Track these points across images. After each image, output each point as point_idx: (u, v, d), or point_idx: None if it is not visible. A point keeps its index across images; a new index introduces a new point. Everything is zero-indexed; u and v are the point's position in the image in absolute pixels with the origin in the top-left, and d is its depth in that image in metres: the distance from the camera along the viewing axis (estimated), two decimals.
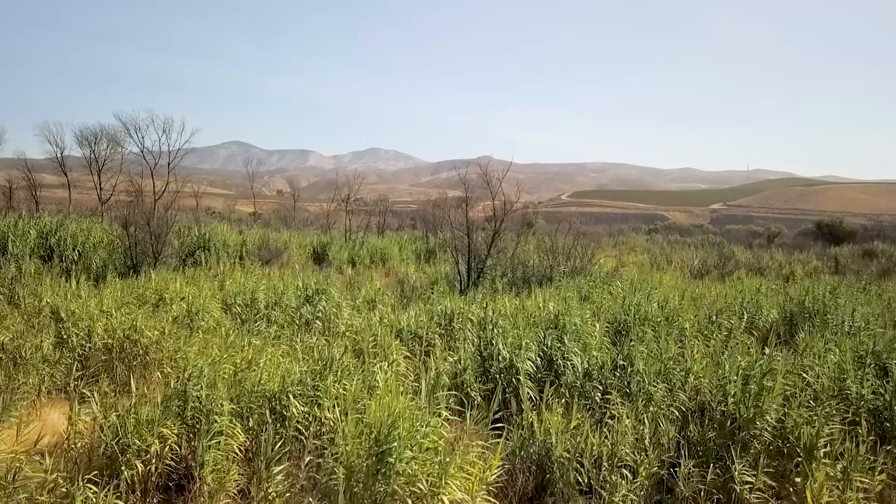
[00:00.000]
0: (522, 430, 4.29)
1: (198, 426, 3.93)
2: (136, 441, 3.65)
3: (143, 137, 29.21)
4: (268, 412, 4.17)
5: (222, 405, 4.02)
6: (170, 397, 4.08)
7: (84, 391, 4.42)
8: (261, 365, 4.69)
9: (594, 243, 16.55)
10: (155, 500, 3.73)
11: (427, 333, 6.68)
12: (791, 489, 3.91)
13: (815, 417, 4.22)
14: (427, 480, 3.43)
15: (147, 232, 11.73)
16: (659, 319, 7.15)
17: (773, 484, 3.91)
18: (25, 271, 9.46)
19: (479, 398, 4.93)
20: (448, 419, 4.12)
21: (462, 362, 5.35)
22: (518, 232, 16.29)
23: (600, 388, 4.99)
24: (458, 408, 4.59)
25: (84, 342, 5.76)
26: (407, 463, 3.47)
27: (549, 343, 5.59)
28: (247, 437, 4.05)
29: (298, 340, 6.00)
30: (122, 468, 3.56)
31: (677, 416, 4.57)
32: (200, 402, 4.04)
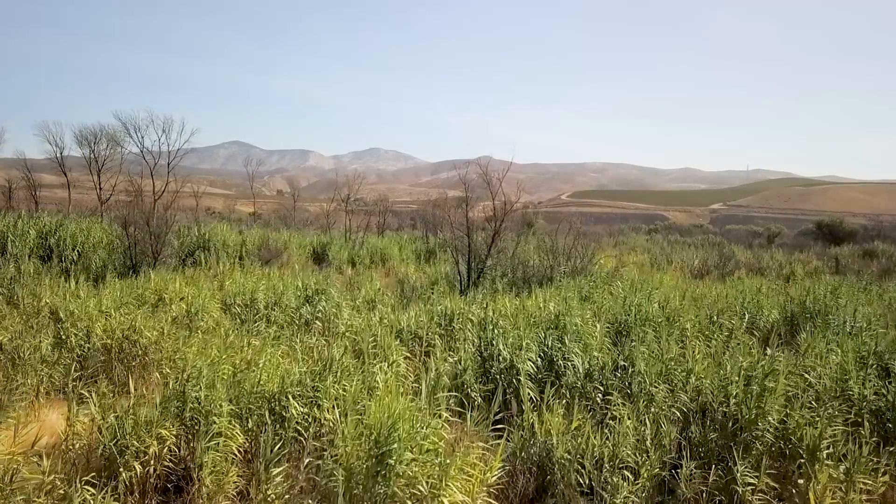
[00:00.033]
0: (523, 431, 4.27)
1: (196, 427, 3.91)
2: (135, 442, 3.63)
3: (142, 137, 29.22)
4: (267, 413, 4.15)
5: (221, 406, 3.99)
6: (168, 398, 4.06)
7: (82, 392, 4.38)
8: (260, 365, 4.66)
9: (594, 243, 16.52)
10: (153, 502, 3.70)
11: (427, 334, 6.66)
12: (794, 491, 3.89)
13: (818, 418, 4.19)
14: (427, 482, 3.41)
15: (146, 232, 11.71)
16: (660, 320, 7.13)
17: (776, 486, 3.89)
18: (24, 271, 9.44)
19: (480, 399, 4.90)
20: (448, 420, 4.09)
21: (462, 363, 5.33)
22: (518, 232, 16.28)
23: (601, 388, 4.97)
24: (459, 409, 4.56)
25: (83, 342, 5.74)
26: (407, 464, 3.45)
27: (549, 343, 5.57)
28: (246, 439, 4.03)
29: (298, 341, 5.96)
30: (121, 470, 3.54)
31: (679, 417, 4.54)
32: (199, 403, 4.02)
